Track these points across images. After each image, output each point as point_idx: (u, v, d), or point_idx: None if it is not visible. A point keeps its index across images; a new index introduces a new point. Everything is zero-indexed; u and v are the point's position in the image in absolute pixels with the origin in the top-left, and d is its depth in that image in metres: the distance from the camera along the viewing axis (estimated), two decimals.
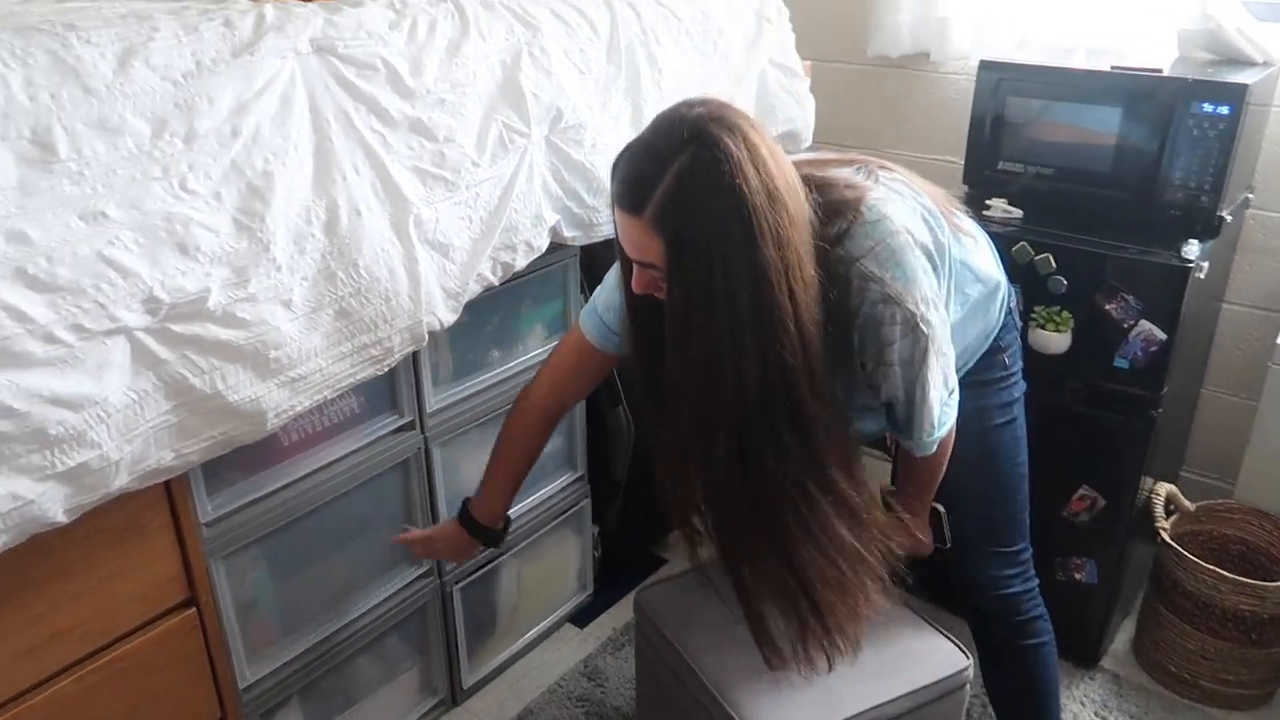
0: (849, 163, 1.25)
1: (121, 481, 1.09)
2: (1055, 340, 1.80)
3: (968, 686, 1.42)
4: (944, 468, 1.35)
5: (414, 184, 1.34)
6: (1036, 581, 1.51)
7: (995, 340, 1.39)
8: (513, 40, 1.48)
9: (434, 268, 1.38)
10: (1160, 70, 1.78)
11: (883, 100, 2.49)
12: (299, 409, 1.25)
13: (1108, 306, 1.75)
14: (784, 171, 1.07)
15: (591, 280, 1.91)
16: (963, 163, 2.00)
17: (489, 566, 1.84)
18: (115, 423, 1.05)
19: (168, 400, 1.10)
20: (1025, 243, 1.80)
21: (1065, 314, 1.79)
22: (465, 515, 1.51)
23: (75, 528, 1.08)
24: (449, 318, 1.42)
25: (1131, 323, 1.74)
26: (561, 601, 2.12)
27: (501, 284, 1.53)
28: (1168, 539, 1.89)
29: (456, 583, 1.80)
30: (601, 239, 1.66)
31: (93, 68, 1.03)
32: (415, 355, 1.55)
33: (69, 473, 1.02)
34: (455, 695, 1.90)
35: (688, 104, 1.09)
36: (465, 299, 1.45)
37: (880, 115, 2.51)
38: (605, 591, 2.19)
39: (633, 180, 1.07)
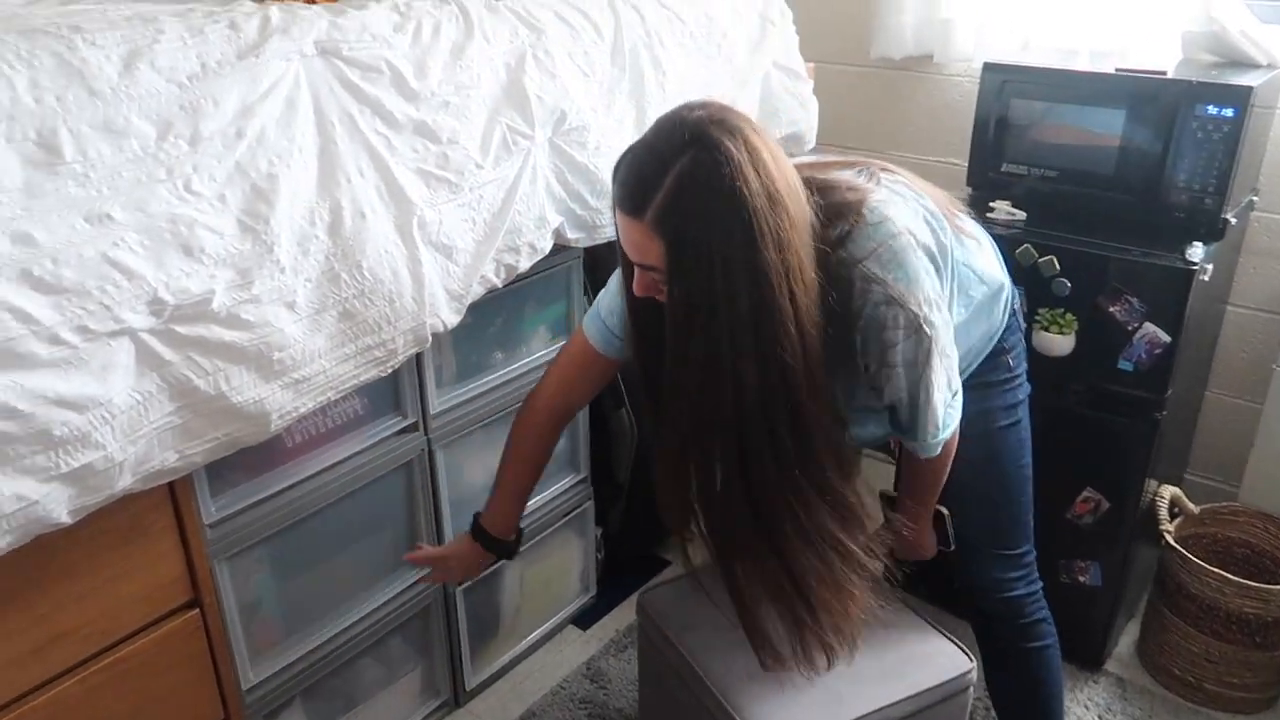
0: (851, 165, 1.25)
1: (125, 482, 1.09)
2: (1059, 342, 1.80)
3: (971, 689, 1.41)
4: (948, 470, 1.35)
5: (418, 186, 1.34)
6: (1040, 584, 1.51)
7: (999, 342, 1.39)
8: (517, 43, 1.48)
9: (437, 269, 1.38)
10: (1164, 72, 1.77)
11: (886, 102, 2.49)
12: (303, 410, 1.25)
13: (1112, 309, 1.75)
14: (785, 174, 1.07)
15: (595, 282, 1.92)
16: (966, 165, 2.00)
17: (492, 568, 1.84)
18: (119, 424, 1.05)
19: (172, 401, 1.10)
20: (1029, 245, 1.80)
21: (1069, 316, 1.79)
22: (477, 528, 1.49)
23: (79, 529, 1.08)
24: (452, 319, 1.43)
25: (1135, 325, 1.73)
26: (564, 603, 2.12)
27: (505, 286, 1.53)
28: (1172, 542, 1.89)
29: (459, 584, 1.80)
30: (605, 241, 1.66)
31: (98, 70, 1.03)
32: (419, 357, 1.56)
33: (73, 474, 1.02)
34: (458, 697, 1.90)
35: (689, 107, 1.09)
36: (469, 301, 1.45)
37: (883, 117, 2.50)
38: (608, 593, 2.19)
39: (634, 183, 1.07)
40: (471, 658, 1.90)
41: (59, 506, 1.03)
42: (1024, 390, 1.45)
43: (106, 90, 1.03)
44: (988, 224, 1.87)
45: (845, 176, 1.21)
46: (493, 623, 1.95)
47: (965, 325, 1.31)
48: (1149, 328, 1.72)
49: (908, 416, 1.23)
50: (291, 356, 1.20)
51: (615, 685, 1.97)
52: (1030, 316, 1.82)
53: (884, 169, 1.26)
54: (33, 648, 1.14)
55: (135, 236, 1.04)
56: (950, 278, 1.25)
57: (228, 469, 1.34)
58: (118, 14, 1.13)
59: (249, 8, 1.23)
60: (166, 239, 1.06)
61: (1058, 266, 1.78)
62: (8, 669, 1.12)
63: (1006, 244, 1.79)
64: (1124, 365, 1.76)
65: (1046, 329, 1.81)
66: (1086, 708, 1.91)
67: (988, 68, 1.93)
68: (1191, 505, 1.98)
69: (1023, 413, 1.44)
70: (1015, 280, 1.78)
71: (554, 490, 1.97)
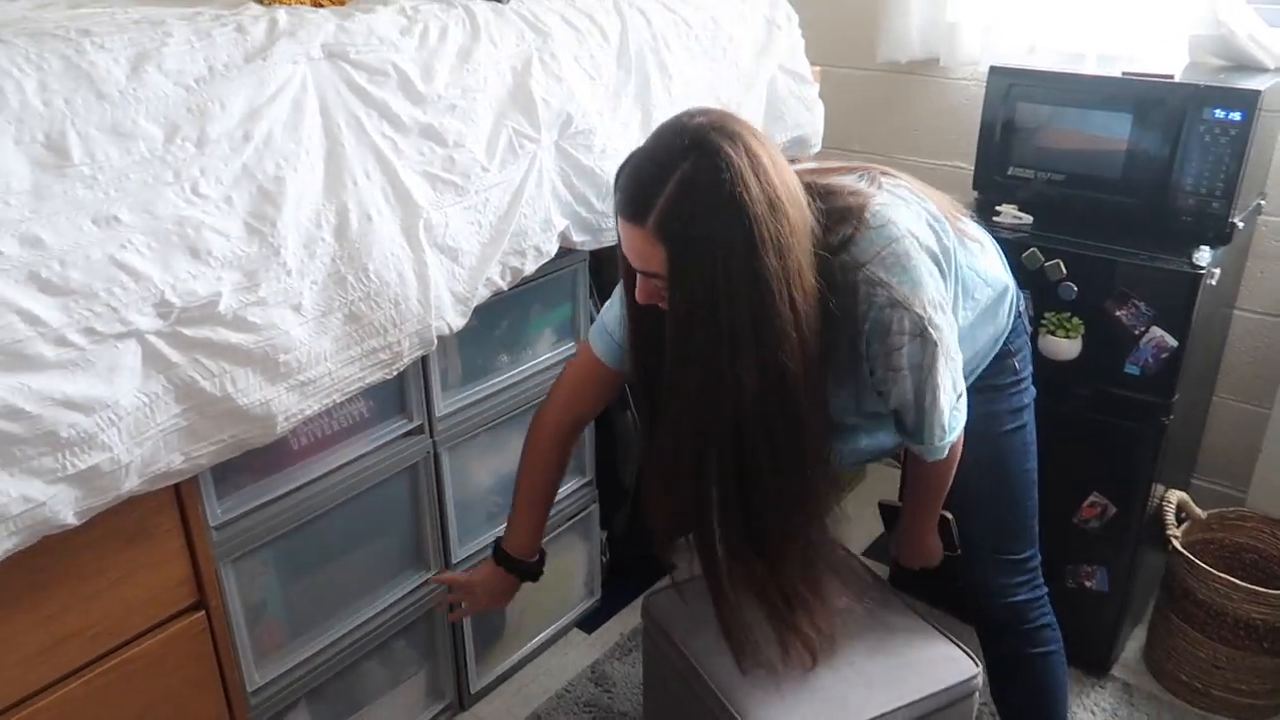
0: (852, 170, 1.26)
1: (131, 484, 1.09)
2: (1065, 346, 1.80)
3: (976, 694, 1.41)
4: (953, 473, 1.35)
5: (424, 189, 1.34)
6: (1045, 589, 1.50)
7: (1005, 344, 1.39)
8: (523, 46, 1.48)
9: (443, 272, 1.38)
10: (1172, 76, 1.77)
11: (892, 106, 2.49)
12: (308, 412, 1.26)
13: (1118, 313, 1.74)
14: (786, 180, 1.07)
15: (600, 285, 1.92)
16: (973, 168, 2.00)
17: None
18: (126, 425, 1.05)
19: (178, 403, 1.11)
20: (1035, 249, 1.79)
21: (1075, 320, 1.79)
22: (498, 552, 1.49)
23: (85, 530, 1.08)
24: (458, 322, 1.43)
25: (1142, 329, 1.73)
26: (569, 607, 2.12)
27: (511, 289, 1.53)
28: (1179, 547, 1.88)
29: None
30: (610, 244, 1.66)
31: (106, 73, 1.03)
32: (424, 359, 1.56)
33: (80, 475, 1.03)
34: (463, 700, 1.90)
35: (689, 113, 1.09)
36: (474, 303, 1.45)
37: (890, 121, 2.50)
38: (613, 597, 2.19)
39: (635, 189, 1.08)
40: (476, 661, 1.90)
41: (65, 508, 1.03)
42: (1029, 394, 1.45)
43: (114, 93, 1.03)
44: (994, 228, 1.87)
45: (847, 181, 1.21)
46: (497, 626, 1.95)
47: (970, 328, 1.31)
48: (1156, 332, 1.72)
49: (913, 420, 1.23)
50: (297, 359, 1.21)
51: (620, 689, 1.97)
52: (1036, 320, 1.81)
53: (885, 173, 1.26)
54: (39, 649, 1.14)
55: (142, 239, 1.04)
56: (954, 280, 1.25)
57: (234, 471, 1.35)
58: (126, 17, 1.13)
59: (256, 11, 1.24)
60: (173, 241, 1.07)
61: (1064, 270, 1.77)
62: (15, 670, 1.12)
63: (1013, 248, 1.79)
64: (1131, 369, 1.76)
65: (1053, 333, 1.80)
66: (1093, 713, 1.90)
67: (994, 71, 1.93)
68: (1199, 510, 1.97)
69: (1028, 416, 1.44)
70: (1021, 284, 1.78)
71: (559, 493, 1.97)
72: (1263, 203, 1.98)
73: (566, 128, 1.53)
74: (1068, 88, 1.86)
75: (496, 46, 1.44)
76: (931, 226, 1.22)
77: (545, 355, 1.84)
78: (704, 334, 1.07)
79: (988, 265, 1.33)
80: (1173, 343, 1.71)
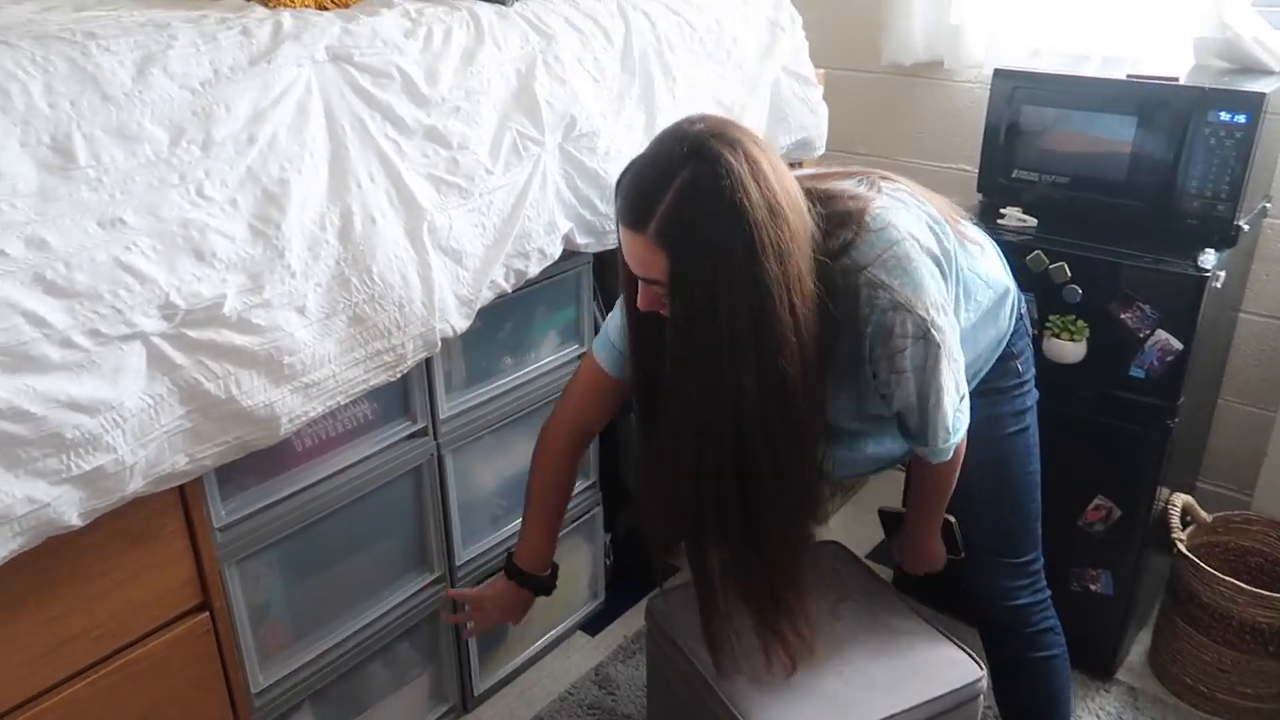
0: (851, 174, 1.26)
1: (136, 485, 1.09)
2: (1070, 349, 1.79)
3: (981, 698, 1.41)
4: (956, 476, 1.35)
5: (428, 191, 1.34)
6: (1048, 593, 1.50)
7: (1008, 346, 1.39)
8: (527, 49, 1.48)
9: (447, 274, 1.38)
10: (1176, 79, 1.77)
11: (896, 108, 2.49)
12: (312, 415, 1.26)
13: (1123, 316, 1.74)
14: (785, 185, 1.08)
15: (604, 287, 1.92)
16: (977, 171, 2.00)
17: (500, 573, 1.84)
18: (130, 427, 1.05)
19: (182, 405, 1.11)
20: (1040, 251, 1.79)
21: (1080, 323, 1.78)
22: (510, 567, 1.49)
23: (90, 531, 1.09)
24: (462, 324, 1.43)
25: (1147, 332, 1.72)
26: (573, 609, 2.12)
27: (514, 291, 1.53)
28: (1184, 550, 1.87)
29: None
30: (614, 246, 1.66)
31: (112, 75, 1.04)
32: (428, 362, 1.56)
33: (84, 476, 1.03)
34: (466, 702, 1.90)
35: (689, 120, 1.10)
36: (478, 306, 1.46)
37: (894, 123, 2.50)
38: (616, 599, 2.19)
39: (636, 196, 1.08)
40: (479, 663, 1.90)
41: (70, 509, 1.03)
42: (1032, 396, 1.45)
43: (120, 95, 1.04)
44: (999, 230, 1.87)
45: (846, 186, 1.22)
46: (500, 629, 1.95)
47: (972, 330, 1.31)
48: (1161, 335, 1.71)
49: (917, 422, 1.23)
50: (301, 361, 1.21)
51: (624, 691, 1.97)
52: (1041, 323, 1.81)
53: (885, 177, 1.27)
54: (44, 650, 1.14)
55: (147, 241, 1.04)
56: (955, 283, 1.25)
57: (238, 473, 1.35)
58: (131, 20, 1.14)
59: (261, 14, 1.24)
60: (178, 243, 1.07)
61: (1069, 273, 1.77)
62: (19, 671, 1.12)
63: (1017, 250, 1.79)
64: (1136, 372, 1.75)
65: (1057, 336, 1.80)
66: (1098, 717, 1.89)
67: (998, 74, 1.93)
68: (1204, 513, 1.97)
69: (1031, 419, 1.44)
70: (1026, 287, 1.78)
71: None
72: (1268, 205, 1.98)
73: (570, 130, 1.54)
74: (1072, 90, 1.86)
75: (500, 49, 1.44)
76: (932, 229, 1.22)
77: (549, 358, 1.84)
78: (704, 339, 1.07)
79: (988, 267, 1.33)
80: (1178, 346, 1.70)
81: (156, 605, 1.25)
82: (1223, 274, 1.69)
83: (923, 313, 1.13)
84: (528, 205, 1.48)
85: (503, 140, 1.44)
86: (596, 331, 1.88)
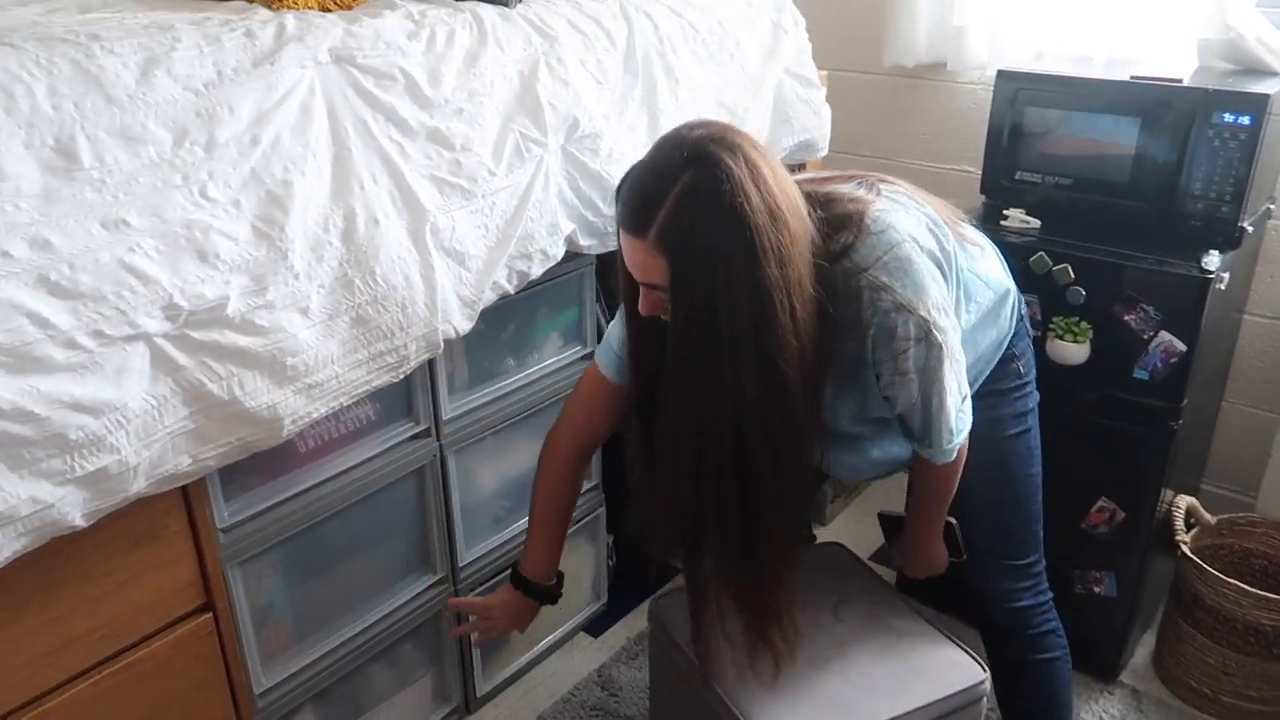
0: (849, 178, 1.27)
1: (139, 486, 1.10)
2: (1074, 351, 1.79)
3: (985, 700, 1.40)
4: (958, 478, 1.35)
5: (431, 192, 1.34)
6: (1049, 595, 1.50)
7: (1009, 348, 1.39)
8: (530, 50, 1.49)
9: (450, 276, 1.39)
10: (1180, 80, 1.77)
11: (899, 110, 2.49)
12: (315, 416, 1.26)
13: (1127, 317, 1.74)
14: (786, 190, 1.08)
15: (606, 289, 1.92)
16: (980, 173, 2.00)
17: (503, 575, 1.84)
18: (134, 428, 1.06)
19: (185, 406, 1.11)
20: (1043, 253, 1.79)
21: (1084, 324, 1.78)
22: (516, 576, 1.49)
23: (93, 532, 1.09)
24: (465, 326, 1.43)
25: (1151, 334, 1.72)
26: (576, 610, 2.12)
27: (517, 292, 1.54)
28: (1188, 552, 1.87)
29: (471, 590, 1.80)
30: (616, 248, 1.66)
31: (115, 77, 1.04)
32: (431, 363, 1.56)
33: (88, 477, 1.03)
34: (469, 703, 1.90)
35: (689, 126, 1.10)
36: (481, 307, 1.46)
37: (897, 125, 2.50)
38: (619, 601, 2.19)
39: (636, 202, 1.08)
40: (482, 664, 1.90)
41: (74, 509, 1.04)
42: (1033, 398, 1.45)
43: (124, 97, 1.04)
44: (1001, 232, 1.87)
45: (846, 189, 1.23)
46: None
47: (973, 331, 1.31)
48: (1165, 336, 1.71)
49: (921, 424, 1.23)
50: (304, 362, 1.21)
51: (626, 693, 1.97)
52: (1045, 325, 1.81)
53: (883, 180, 1.28)
54: (47, 650, 1.14)
55: (151, 242, 1.05)
56: (956, 284, 1.26)
57: (241, 473, 1.35)
58: (135, 22, 1.14)
59: (264, 16, 1.24)
60: (182, 245, 1.07)
61: (1072, 274, 1.77)
62: (23, 671, 1.13)
63: (1021, 252, 1.79)
64: (1139, 374, 1.75)
65: (1061, 337, 1.80)
66: None
67: (1001, 75, 1.93)
68: (1208, 516, 1.96)
69: (1032, 421, 1.44)
70: (1030, 288, 1.78)
71: None
72: (1272, 207, 1.97)
73: (573, 132, 1.54)
74: (1075, 92, 1.86)
75: (503, 51, 1.44)
76: (931, 231, 1.23)
77: (552, 359, 1.85)
78: (705, 342, 1.07)
79: (988, 269, 1.34)
80: (1182, 347, 1.70)
81: (159, 606, 1.25)
82: (1226, 276, 1.68)
83: (924, 314, 1.14)
84: (530, 207, 1.48)
85: (505, 142, 1.44)
86: (599, 333, 1.89)
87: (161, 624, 1.26)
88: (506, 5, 1.51)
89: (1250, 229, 1.77)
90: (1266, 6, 1.90)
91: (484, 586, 1.83)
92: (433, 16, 1.39)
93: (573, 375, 1.85)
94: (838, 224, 1.15)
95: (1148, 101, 1.76)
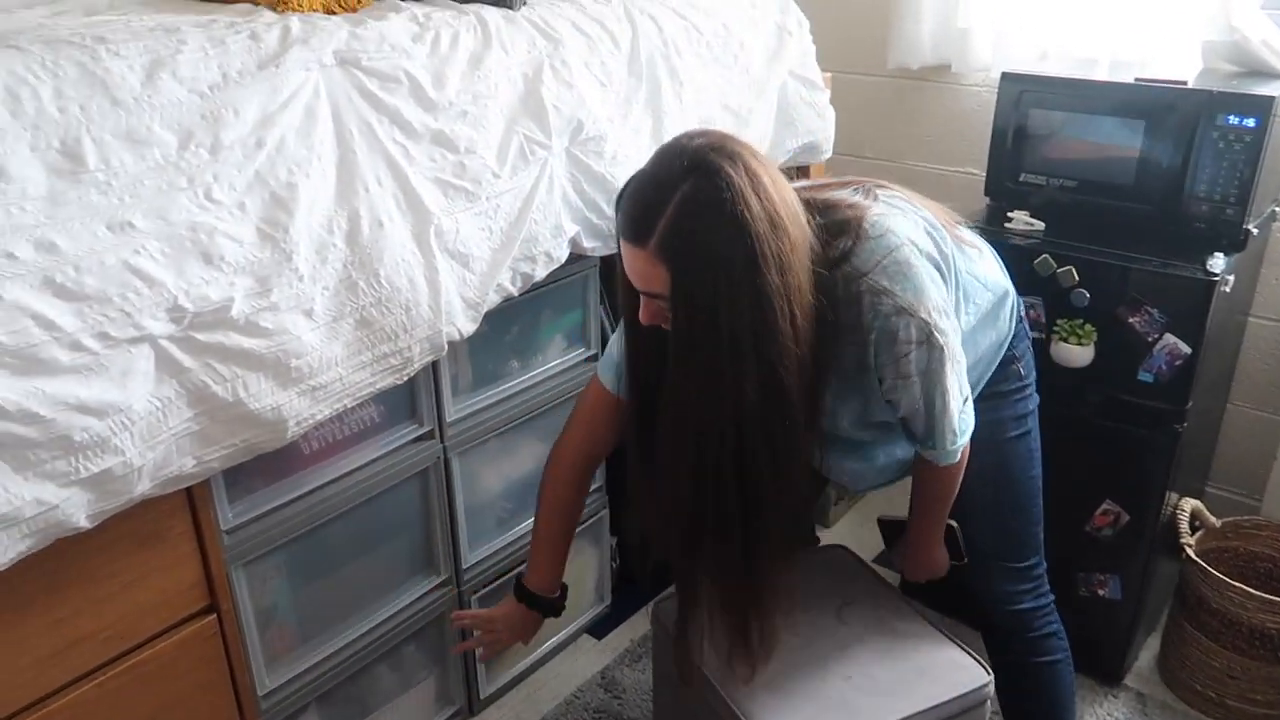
0: (847, 184, 1.27)
1: (144, 488, 1.10)
2: (1078, 353, 1.79)
3: (988, 703, 1.40)
4: (960, 480, 1.35)
5: (435, 195, 1.35)
6: (1051, 597, 1.50)
7: (1009, 350, 1.39)
8: (534, 53, 1.49)
9: (454, 278, 1.39)
10: (1185, 82, 1.76)
11: (904, 112, 2.49)
12: (319, 417, 1.26)
13: (1131, 320, 1.73)
14: (785, 198, 1.09)
15: (610, 291, 1.92)
16: (984, 175, 1.99)
17: (507, 577, 1.84)
18: (138, 429, 1.06)
19: (190, 408, 1.11)
20: (1048, 255, 1.79)
21: (1088, 327, 1.78)
22: (520, 590, 1.49)
23: (97, 534, 1.09)
24: (469, 328, 1.43)
25: (1155, 336, 1.72)
26: (579, 613, 2.12)
27: (521, 294, 1.54)
28: (1193, 555, 1.87)
29: (474, 592, 1.80)
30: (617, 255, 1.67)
31: (121, 80, 1.04)
32: (435, 365, 1.56)
33: (93, 478, 1.03)
34: (472, 705, 1.90)
35: (689, 135, 1.11)
36: (485, 309, 1.46)
37: (901, 127, 2.50)
38: (623, 603, 2.19)
39: (637, 211, 1.09)
40: (486, 666, 1.90)
41: (78, 511, 1.04)
42: (1034, 400, 1.45)
43: (129, 100, 1.04)
44: (1006, 234, 1.87)
45: (843, 195, 1.23)
46: None
47: (973, 333, 1.32)
48: (1169, 339, 1.71)
49: (924, 426, 1.23)
50: (309, 364, 1.21)
51: (629, 695, 1.97)
52: (1049, 327, 1.81)
53: (880, 186, 1.28)
54: (51, 651, 1.15)
55: (156, 244, 1.05)
56: (955, 286, 1.26)
57: (245, 475, 1.35)
58: (141, 25, 1.14)
59: (269, 18, 1.25)
60: (187, 247, 1.08)
61: (1076, 277, 1.76)
62: (27, 672, 1.13)
63: (1025, 254, 1.79)
64: (1144, 377, 1.75)
65: (1065, 340, 1.80)
66: None
67: (1006, 77, 1.92)
68: (1213, 518, 1.96)
69: (1032, 423, 1.44)
70: (1033, 290, 1.78)
71: None
72: (1277, 209, 1.97)
73: (577, 134, 1.54)
74: (1080, 94, 1.86)
75: (508, 53, 1.45)
76: (929, 234, 1.23)
77: (555, 361, 1.85)
78: (706, 350, 1.08)
79: (986, 270, 1.34)
80: (1186, 350, 1.70)
81: (164, 607, 1.26)
82: (1231, 278, 1.68)
83: (925, 316, 1.14)
84: (534, 209, 1.48)
85: (510, 144, 1.44)
86: (603, 335, 1.89)
87: (166, 625, 1.26)
88: (511, 8, 1.51)
89: (1255, 231, 1.76)
90: (1271, 8, 1.90)
91: (488, 588, 1.83)
92: (437, 19, 1.40)
93: (576, 377, 1.85)
94: (836, 230, 1.16)
95: (1152, 104, 1.76)
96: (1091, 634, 1.84)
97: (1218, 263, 1.67)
